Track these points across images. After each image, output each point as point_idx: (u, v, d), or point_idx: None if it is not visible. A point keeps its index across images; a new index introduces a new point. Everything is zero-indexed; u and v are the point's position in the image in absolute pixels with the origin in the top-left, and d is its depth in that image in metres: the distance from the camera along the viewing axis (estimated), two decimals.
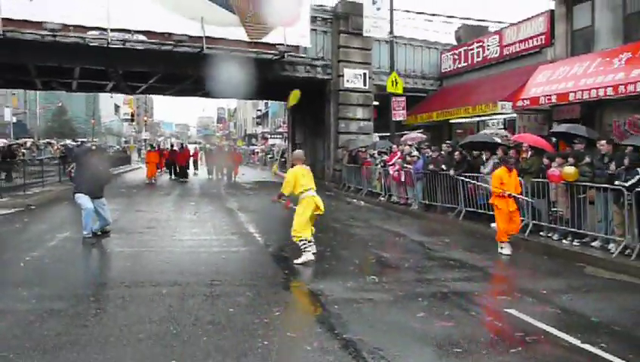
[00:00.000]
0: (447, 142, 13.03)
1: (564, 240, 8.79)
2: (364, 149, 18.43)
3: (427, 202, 13.06)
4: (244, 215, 12.45)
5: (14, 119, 62.37)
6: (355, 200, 16.88)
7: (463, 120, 19.62)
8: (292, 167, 8.05)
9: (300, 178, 7.62)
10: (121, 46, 16.27)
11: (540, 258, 8.22)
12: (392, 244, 9.41)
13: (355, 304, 5.44)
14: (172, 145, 34.64)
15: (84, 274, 6.71)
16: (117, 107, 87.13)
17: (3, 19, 14.66)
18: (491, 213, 10.43)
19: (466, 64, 21.12)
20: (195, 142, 63.16)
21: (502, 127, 17.66)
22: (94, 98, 66.39)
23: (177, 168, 25.90)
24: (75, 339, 4.31)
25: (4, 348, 4.06)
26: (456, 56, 21.92)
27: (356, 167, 18.46)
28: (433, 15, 23.94)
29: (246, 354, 4.08)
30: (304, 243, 7.28)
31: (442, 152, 12.93)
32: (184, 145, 31.62)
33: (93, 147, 9.50)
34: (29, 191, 14.93)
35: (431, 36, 24.08)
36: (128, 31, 16.20)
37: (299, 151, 8.21)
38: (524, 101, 14.74)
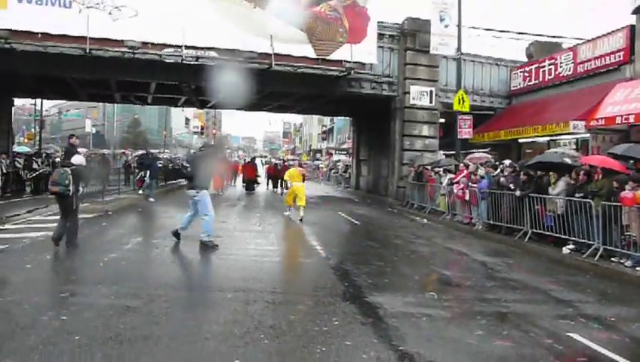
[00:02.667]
0: (506, 161, 12.77)
1: (637, 268, 8.39)
2: (429, 167, 18.33)
3: (492, 222, 12.81)
4: (306, 227, 12.73)
5: (94, 130, 66.91)
6: (418, 218, 16.78)
7: (533, 139, 19.07)
8: None
9: (293, 175, 14.37)
10: (195, 62, 17.17)
11: (610, 284, 7.89)
12: (454, 263, 9.35)
13: (413, 318, 5.50)
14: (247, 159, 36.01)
15: (157, 276, 7.14)
16: (187, 120, 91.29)
17: (89, 38, 15.94)
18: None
19: (536, 81, 20.59)
20: (261, 156, 64.78)
21: (574, 147, 17.01)
22: (166, 111, 69.78)
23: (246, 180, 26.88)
24: (148, 334, 4.66)
25: (87, 337, 4.47)
26: (526, 74, 21.41)
27: (420, 184, 18.37)
28: (502, 32, 23.22)
29: (305, 359, 4.27)
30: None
31: (504, 171, 12.71)
32: (253, 158, 32.66)
33: (203, 149, 10.02)
34: (106, 198, 15.98)
35: (500, 53, 23.65)
36: (201, 48, 17.11)
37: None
38: (599, 120, 14.23)
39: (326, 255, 9.11)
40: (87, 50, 15.91)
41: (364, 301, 6.11)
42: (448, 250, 10.58)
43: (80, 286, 6.38)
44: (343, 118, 47.64)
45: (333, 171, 44.00)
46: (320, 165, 55.20)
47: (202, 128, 57.78)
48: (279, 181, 28.01)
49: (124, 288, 6.33)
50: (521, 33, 25.40)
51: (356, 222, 14.79)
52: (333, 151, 57.18)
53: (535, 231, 11.08)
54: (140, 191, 18.56)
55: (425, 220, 16.28)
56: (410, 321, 5.40)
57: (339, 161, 45.58)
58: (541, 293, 7.05)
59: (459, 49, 17.71)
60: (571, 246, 9.91)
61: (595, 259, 9.04)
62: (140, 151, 26.01)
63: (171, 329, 4.88)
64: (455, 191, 14.62)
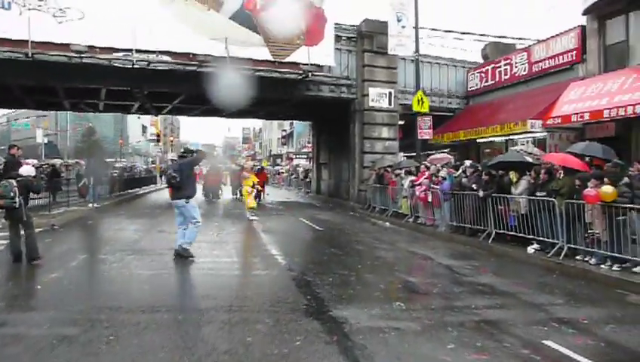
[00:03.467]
0: (467, 161, 12.66)
1: (602, 265, 8.30)
2: (389, 169, 18.12)
3: (455, 224, 12.65)
4: (266, 236, 12.22)
5: (45, 140, 64.23)
6: (380, 222, 16.54)
7: (491, 139, 19.16)
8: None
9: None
10: (146, 67, 16.43)
11: (577, 283, 7.75)
12: (419, 268, 9.03)
13: (381, 334, 5.11)
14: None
15: (102, 297, 6.52)
16: (144, 128, 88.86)
17: (32, 42, 14.99)
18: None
19: (493, 82, 20.77)
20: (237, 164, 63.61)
21: (532, 146, 17.16)
22: (122, 119, 67.80)
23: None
24: None
25: None
26: (483, 75, 21.58)
27: (382, 187, 18.14)
28: (463, 33, 23.45)
29: None
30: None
31: (465, 171, 12.58)
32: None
33: (186, 155, 9.56)
34: (54, 211, 15.04)
35: (462, 55, 23.89)
36: (153, 52, 16.38)
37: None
38: (555, 119, 14.31)
39: (287, 265, 8.65)
40: (29, 55, 14.94)
41: (329, 316, 5.69)
42: (413, 254, 10.30)
43: (10, 314, 5.70)
44: (302, 122, 47.31)
45: (293, 176, 43.55)
46: (280, 170, 54.69)
47: (158, 135, 56.01)
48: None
49: (63, 313, 5.71)
50: (482, 35, 25.46)
51: (318, 228, 14.38)
52: (294, 156, 56.79)
53: (499, 231, 10.95)
54: (90, 205, 17.55)
55: (388, 223, 16.03)
56: (377, 337, 5.00)
57: (298, 165, 45.14)
58: (510, 297, 6.81)
59: (417, 50, 17.60)
60: (536, 246, 9.80)
61: (560, 257, 8.92)
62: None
63: (111, 361, 4.32)
64: (417, 193, 14.42)
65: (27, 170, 8.72)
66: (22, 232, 8.43)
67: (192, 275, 7.83)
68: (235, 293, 6.72)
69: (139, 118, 66.84)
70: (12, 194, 7.91)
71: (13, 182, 8.07)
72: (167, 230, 12.49)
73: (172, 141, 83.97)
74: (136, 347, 4.67)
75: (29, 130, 64.52)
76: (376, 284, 7.30)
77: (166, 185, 20.44)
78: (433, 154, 20.22)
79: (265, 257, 9.42)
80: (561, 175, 9.69)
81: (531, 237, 9.93)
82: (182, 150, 11.45)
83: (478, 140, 20.06)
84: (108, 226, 13.87)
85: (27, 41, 14.79)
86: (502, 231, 10.87)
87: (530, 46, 18.91)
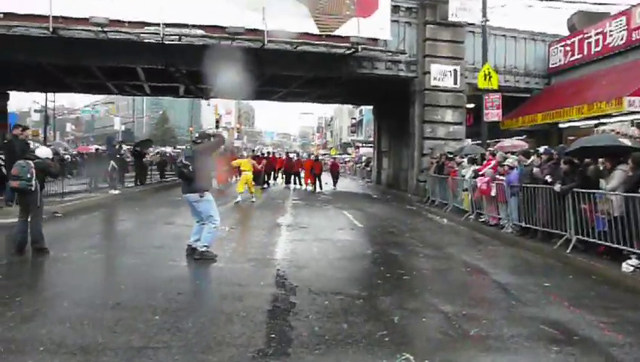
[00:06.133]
0: (543, 147, 9.86)
1: None
2: (451, 156, 15.57)
3: (524, 224, 10.05)
4: (288, 234, 10.23)
5: (123, 127, 66.44)
6: (437, 218, 14.18)
7: (577, 123, 16.03)
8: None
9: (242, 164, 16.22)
10: (177, 41, 14.95)
11: None
12: (462, 288, 6.54)
13: None
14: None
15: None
16: (220, 116, 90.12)
17: (58, 17, 13.96)
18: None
19: (580, 56, 17.51)
20: (294, 152, 62.71)
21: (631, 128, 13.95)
22: (193, 106, 68.54)
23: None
24: None
25: None
26: (568, 48, 18.31)
27: (442, 177, 15.65)
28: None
29: None
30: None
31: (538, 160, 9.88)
32: (265, 153, 30.51)
33: (200, 141, 7.88)
34: (70, 197, 14.15)
35: (538, 28, 20.56)
36: (185, 25, 14.87)
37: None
38: None
39: (283, 276, 6.56)
40: (51, 30, 13.90)
41: None
42: (461, 264, 7.91)
43: None
44: (370, 107, 44.95)
45: (358, 165, 41.72)
46: (347, 159, 52.94)
47: (217, 121, 55.53)
48: (293, 176, 25.80)
49: None
50: (565, 1, 21.81)
51: (358, 224, 12.26)
52: (361, 145, 54.62)
53: (581, 238, 8.29)
54: (111, 192, 16.44)
55: (445, 220, 13.64)
56: None
57: (364, 154, 43.19)
58: (598, 352, 4.35)
59: (484, 13, 14.72)
60: (634, 262, 7.08)
61: None
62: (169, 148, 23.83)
63: None
64: (479, 185, 11.87)
65: (45, 151, 8.03)
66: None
67: (154, 289, 5.96)
68: (173, 336, 4.78)
69: (209, 105, 67.28)
70: (29, 176, 7.24)
71: (31, 163, 7.37)
72: (178, 222, 10.88)
73: (239, 129, 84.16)
74: None
75: (110, 118, 67.28)
76: (387, 314, 5.09)
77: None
78: (505, 141, 17.33)
79: (262, 262, 7.43)
80: None
81: (627, 249, 7.22)
82: (196, 135, 9.62)
83: (560, 125, 16.98)
84: (113, 216, 12.55)
85: (55, 17, 13.82)
86: (585, 239, 8.21)
87: (630, 8, 15.46)
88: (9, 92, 23.63)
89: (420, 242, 9.94)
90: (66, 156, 32.36)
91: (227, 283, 6.16)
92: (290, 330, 4.49)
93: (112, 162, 16.37)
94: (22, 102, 54.58)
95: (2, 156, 18.43)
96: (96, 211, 12.84)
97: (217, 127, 44.22)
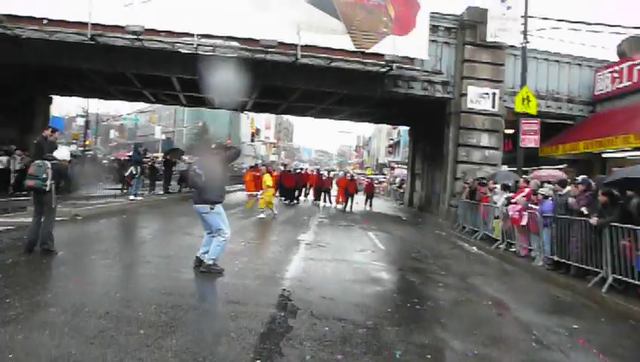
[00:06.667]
0: (581, 177, 9.16)
1: None
2: (484, 181, 14.93)
3: (556, 258, 9.37)
4: (305, 252, 9.87)
5: (163, 136, 67.91)
6: (466, 245, 13.55)
7: (622, 153, 15.14)
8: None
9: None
10: (211, 53, 14.98)
11: None
12: (479, 323, 5.93)
13: None
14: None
15: None
16: (258, 130, 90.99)
17: (97, 24, 14.24)
18: None
19: (629, 83, 16.62)
20: (326, 169, 62.57)
21: None
22: (232, 119, 69.39)
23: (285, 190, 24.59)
24: None
25: None
26: (616, 74, 17.44)
27: (473, 203, 15.02)
28: (584, 24, 18.31)
29: None
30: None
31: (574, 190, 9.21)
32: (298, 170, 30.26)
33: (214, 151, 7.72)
34: (94, 201, 14.26)
35: (582, 52, 19.72)
36: (220, 37, 14.91)
37: None
38: None
39: (287, 296, 6.18)
40: (89, 36, 14.17)
41: None
42: (482, 298, 7.33)
43: None
44: (407, 128, 44.39)
45: (392, 186, 41.12)
46: (381, 179, 52.35)
47: (253, 135, 55.86)
48: (322, 193, 25.45)
49: None
50: (614, 26, 20.85)
51: (381, 246, 11.79)
52: (396, 166, 53.91)
53: (619, 277, 7.61)
54: (132, 197, 16.24)
55: (474, 248, 13.01)
56: None
57: (397, 175, 42.58)
58: None
59: (524, 35, 14.15)
60: None
61: None
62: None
63: None
64: (511, 213, 11.23)
65: (62, 153, 8.01)
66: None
67: (158, 305, 5.71)
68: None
69: (248, 118, 68.05)
70: (44, 176, 7.27)
71: (48, 163, 7.41)
72: (197, 233, 10.62)
73: (275, 144, 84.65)
74: None
75: (152, 127, 68.84)
76: (388, 348, 4.58)
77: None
78: (542, 170, 16.55)
79: (269, 280, 7.08)
80: None
81: None
82: (213, 146, 9.39)
83: (603, 155, 16.08)
84: (133, 222, 12.45)
85: (93, 24, 14.13)
86: (623, 278, 7.53)
87: None
88: (52, 96, 24.36)
89: (442, 270, 9.40)
90: (104, 161, 33.23)
91: (226, 300, 5.84)
92: (279, 357, 4.12)
93: (132, 168, 16.32)
94: (70, 108, 56.63)
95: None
96: (117, 216, 12.81)
97: (253, 140, 44.31)
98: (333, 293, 6.55)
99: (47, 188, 7.31)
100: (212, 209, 7.05)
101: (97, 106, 40.16)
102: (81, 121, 52.79)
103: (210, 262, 7.01)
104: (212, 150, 7.70)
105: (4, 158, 17.35)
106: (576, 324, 6.15)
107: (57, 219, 10.68)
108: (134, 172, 15.97)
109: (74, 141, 38.50)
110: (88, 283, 6.01)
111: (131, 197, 15.91)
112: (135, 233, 11.22)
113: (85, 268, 6.89)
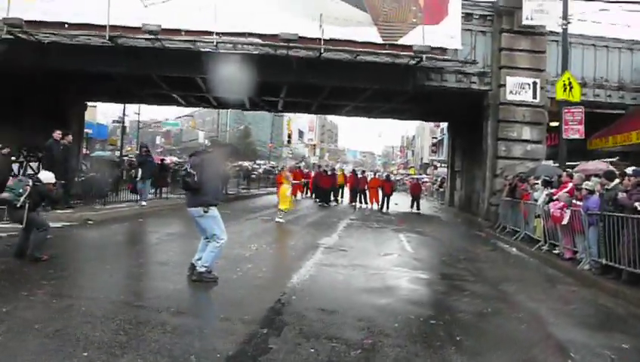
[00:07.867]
0: (629, 169, 7.96)
1: None
2: (525, 177, 13.75)
3: (604, 261, 8.23)
4: (321, 257, 9.11)
5: (206, 141, 68.92)
6: (506, 246, 12.51)
7: None
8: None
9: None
10: (232, 51, 14.49)
11: None
12: (503, 342, 4.95)
13: None
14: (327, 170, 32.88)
15: None
16: (301, 133, 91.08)
17: (116, 26, 14.01)
18: None
19: None
20: (373, 170, 61.53)
21: None
22: (274, 121, 69.56)
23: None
24: None
25: None
26: None
27: (514, 201, 13.88)
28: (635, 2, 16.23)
29: None
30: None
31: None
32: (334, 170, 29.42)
33: (211, 150, 7.25)
34: (110, 206, 14.07)
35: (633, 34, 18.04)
36: (241, 34, 14.40)
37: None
38: None
39: (278, 309, 5.43)
40: (107, 37, 13.93)
41: None
42: (515, 308, 6.34)
43: None
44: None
45: (434, 186, 39.90)
46: (425, 179, 50.95)
47: (289, 137, 55.52)
48: (358, 194, 24.59)
49: None
50: None
51: (410, 250, 10.88)
52: (439, 165, 52.37)
53: None
54: (141, 203, 15.30)
55: (514, 249, 11.96)
56: None
57: (439, 174, 41.36)
58: None
59: (564, 17, 12.83)
60: None
61: None
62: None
63: None
64: (552, 211, 10.10)
65: (47, 176, 7.78)
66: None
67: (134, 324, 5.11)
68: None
69: (289, 119, 68.07)
70: (20, 191, 7.14)
71: (30, 182, 7.37)
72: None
73: (315, 145, 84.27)
74: None
75: (196, 132, 70.19)
76: None
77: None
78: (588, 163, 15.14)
79: (267, 288, 6.36)
80: None
81: None
82: (208, 143, 8.74)
83: None
84: (143, 228, 11.99)
85: (112, 26, 13.89)
86: None
87: None
88: (87, 103, 24.61)
89: (472, 275, 8.44)
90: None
91: (207, 313, 5.21)
92: None
93: (133, 171, 15.72)
94: (115, 114, 58.15)
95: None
96: (130, 221, 12.42)
97: (289, 142, 43.93)
98: (335, 305, 5.74)
99: (18, 204, 7.09)
100: (206, 212, 6.42)
101: (138, 112, 40.62)
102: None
103: (203, 270, 6.37)
104: (207, 148, 7.13)
105: (35, 164, 17.44)
106: (626, 343, 5.11)
107: (67, 224, 10.60)
108: (134, 175, 15.26)
109: (111, 146, 39.08)
110: (56, 295, 5.41)
111: (143, 203, 15.15)
112: (142, 238, 10.77)
113: (66, 278, 6.32)
